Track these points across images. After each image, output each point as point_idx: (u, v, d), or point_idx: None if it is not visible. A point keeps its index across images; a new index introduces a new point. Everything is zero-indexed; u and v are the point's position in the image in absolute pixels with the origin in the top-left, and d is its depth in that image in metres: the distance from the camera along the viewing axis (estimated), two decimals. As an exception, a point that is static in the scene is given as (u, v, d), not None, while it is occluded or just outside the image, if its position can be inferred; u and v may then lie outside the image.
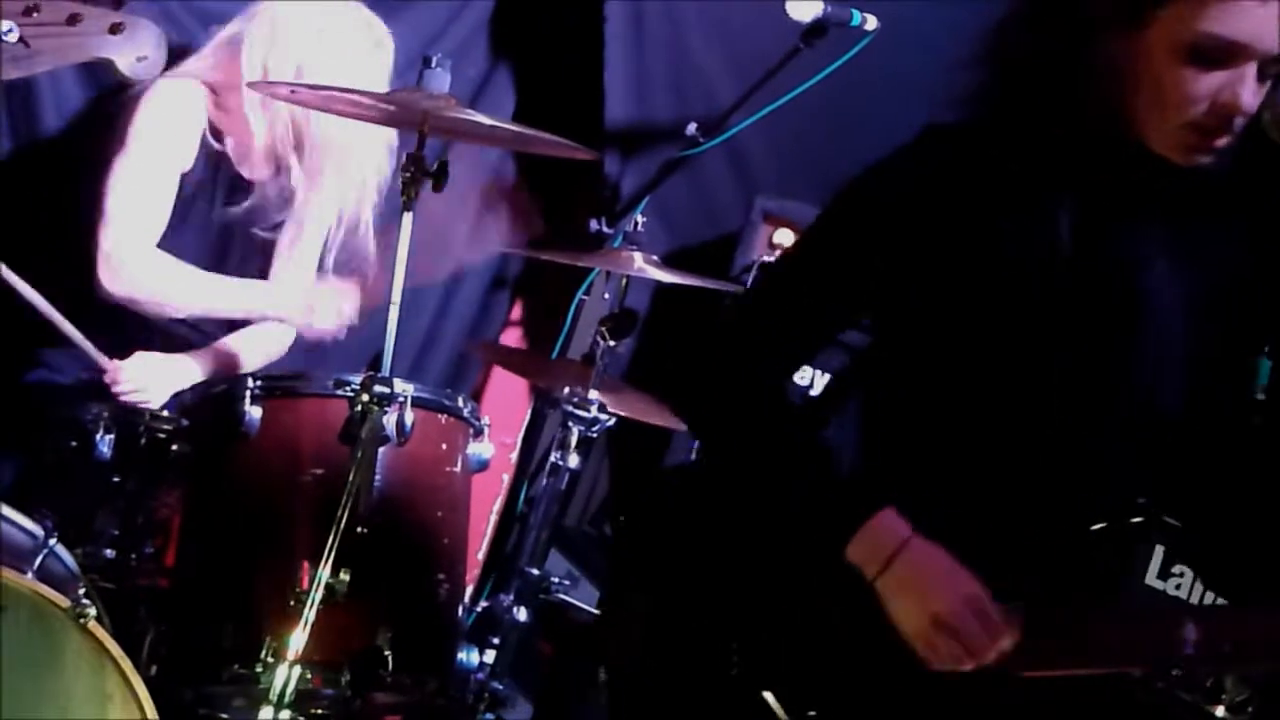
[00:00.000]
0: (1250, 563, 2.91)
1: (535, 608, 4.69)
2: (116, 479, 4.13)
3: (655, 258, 4.69)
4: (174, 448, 4.14)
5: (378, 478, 3.84)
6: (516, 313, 6.16)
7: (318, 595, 3.68)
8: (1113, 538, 2.86)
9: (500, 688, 4.65)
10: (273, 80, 4.39)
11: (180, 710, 4.01)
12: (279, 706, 3.68)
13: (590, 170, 5.67)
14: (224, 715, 4.09)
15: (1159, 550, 2.84)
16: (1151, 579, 2.85)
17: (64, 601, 3.50)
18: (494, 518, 6.00)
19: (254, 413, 4.04)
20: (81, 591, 3.66)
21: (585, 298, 5.79)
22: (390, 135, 4.72)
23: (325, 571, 3.67)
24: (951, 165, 2.97)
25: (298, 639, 3.68)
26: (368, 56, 4.60)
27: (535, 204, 5.53)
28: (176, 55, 4.74)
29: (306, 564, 3.84)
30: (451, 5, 5.67)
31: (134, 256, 4.47)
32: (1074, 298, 2.91)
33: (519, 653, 4.73)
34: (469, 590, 5.44)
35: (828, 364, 4.92)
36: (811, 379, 5.22)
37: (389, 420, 3.92)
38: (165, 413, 4.20)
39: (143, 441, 4.14)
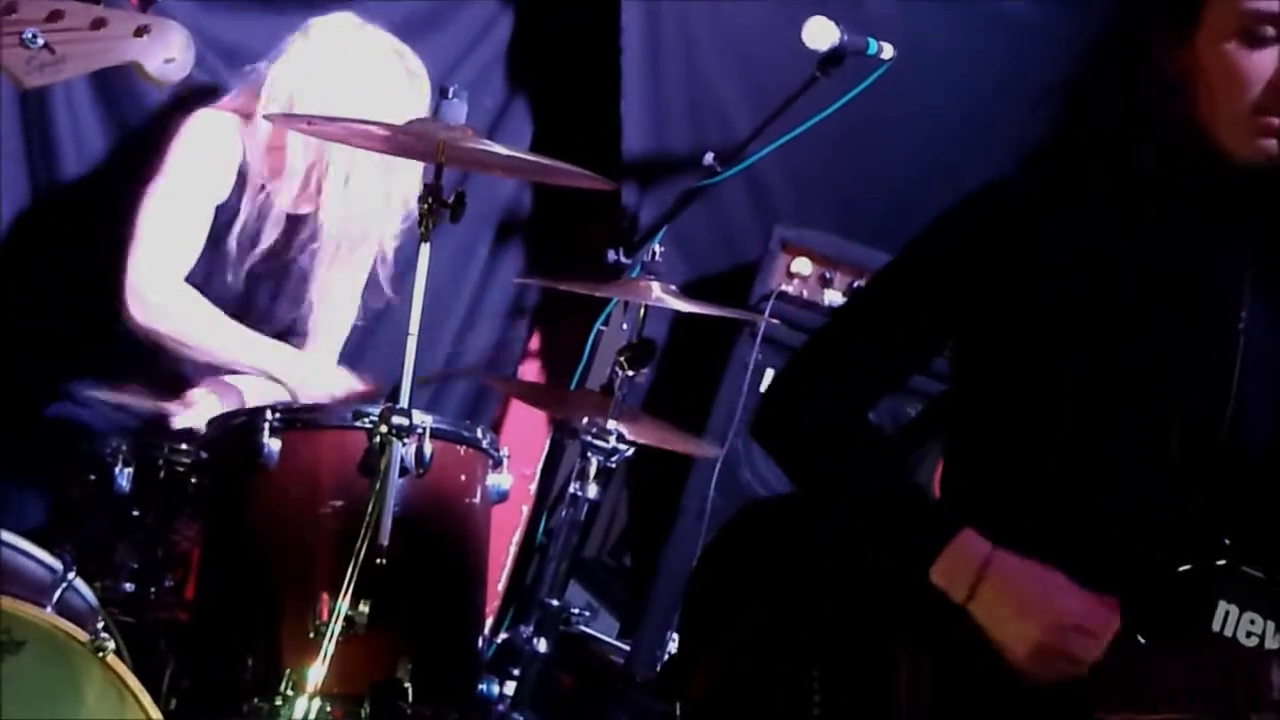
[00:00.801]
0: None
1: (555, 639, 4.67)
2: (136, 512, 4.12)
3: (673, 287, 4.67)
4: (193, 480, 4.13)
5: (397, 509, 3.82)
6: (535, 343, 6.17)
7: (337, 627, 3.66)
8: (1196, 580, 2.84)
9: (521, 719, 4.64)
10: (291, 114, 4.39)
11: (200, 743, 4.01)
12: (299, 740, 3.68)
13: (608, 200, 5.68)
14: (244, 748, 4.08)
15: (1235, 600, 2.83)
16: (1227, 628, 2.84)
17: (83, 635, 3.50)
18: (513, 548, 5.99)
19: (273, 445, 4.03)
20: (101, 625, 3.65)
21: (604, 328, 5.79)
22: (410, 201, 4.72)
23: (345, 603, 3.65)
24: (1033, 201, 2.97)
25: (317, 671, 3.66)
26: (403, 88, 4.61)
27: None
28: (207, 93, 4.77)
29: (326, 596, 3.82)
30: (469, 36, 5.68)
31: (161, 289, 4.48)
32: (1162, 335, 2.90)
33: (539, 684, 4.71)
34: (489, 621, 5.42)
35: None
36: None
37: (408, 451, 3.91)
38: (184, 445, 4.19)
39: (162, 475, 4.13)
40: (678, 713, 3.27)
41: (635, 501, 6.04)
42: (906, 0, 5.68)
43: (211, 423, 4.31)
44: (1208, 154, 2.89)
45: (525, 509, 5.99)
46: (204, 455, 4.15)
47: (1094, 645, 2.81)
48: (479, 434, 4.28)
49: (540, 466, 6.04)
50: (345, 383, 4.74)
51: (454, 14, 5.61)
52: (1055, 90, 3.07)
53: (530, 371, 6.18)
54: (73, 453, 4.23)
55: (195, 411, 4.45)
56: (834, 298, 5.40)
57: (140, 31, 2.88)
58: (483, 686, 4.27)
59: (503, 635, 4.95)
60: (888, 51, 5.28)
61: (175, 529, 4.15)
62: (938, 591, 2.90)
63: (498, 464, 4.31)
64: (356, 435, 3.98)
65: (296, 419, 4.12)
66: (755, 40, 5.70)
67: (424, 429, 3.99)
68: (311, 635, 3.71)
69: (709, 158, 5.44)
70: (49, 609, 3.58)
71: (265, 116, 4.33)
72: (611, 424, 4.58)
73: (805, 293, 5.42)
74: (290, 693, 3.79)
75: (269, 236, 4.65)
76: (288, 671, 3.82)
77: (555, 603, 4.69)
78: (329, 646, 3.66)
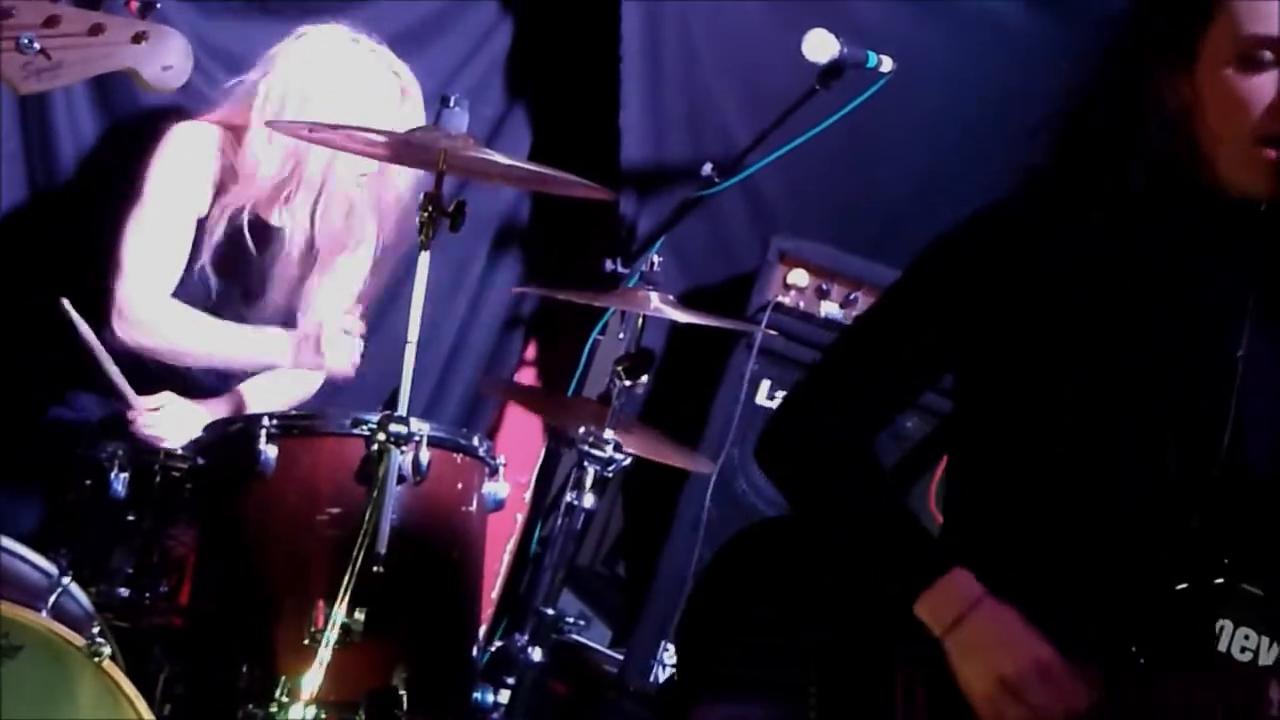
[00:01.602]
0: None
1: (549, 648, 4.67)
2: (131, 517, 4.11)
3: (671, 297, 4.68)
4: (189, 486, 4.13)
5: (394, 517, 3.82)
6: (531, 352, 6.17)
7: (333, 635, 3.66)
8: (1195, 599, 2.84)
9: (515, 728, 4.64)
10: (291, 120, 4.39)
11: (194, 749, 4.01)
12: (295, 747, 3.68)
13: (606, 210, 5.68)
14: (239, 755, 4.08)
15: (1230, 616, 2.83)
16: (1221, 643, 2.83)
17: (78, 640, 3.50)
18: (508, 557, 5.99)
19: (270, 451, 4.03)
20: (96, 630, 3.66)
21: (600, 337, 5.78)
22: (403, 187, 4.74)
23: (341, 611, 3.66)
24: (1035, 225, 2.97)
25: (313, 679, 3.66)
26: (394, 103, 4.62)
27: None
28: (199, 99, 4.77)
29: (322, 603, 3.81)
30: (468, 44, 5.68)
31: (149, 307, 4.51)
32: (1163, 359, 2.90)
33: (533, 693, 4.70)
34: (483, 630, 5.42)
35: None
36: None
37: (405, 459, 3.91)
38: (180, 451, 4.19)
39: (158, 480, 4.13)
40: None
41: (630, 511, 6.04)
42: (906, 14, 5.68)
43: (209, 428, 4.31)
44: (1208, 185, 2.89)
45: (520, 517, 5.98)
46: (201, 461, 4.15)
47: (1057, 701, 2.80)
48: (476, 442, 4.28)
49: (535, 475, 6.03)
50: (341, 335, 4.72)
51: (453, 22, 5.61)
52: (1056, 118, 3.07)
53: (527, 380, 6.18)
54: (69, 457, 4.23)
55: (158, 421, 4.45)
56: (831, 309, 5.40)
57: (138, 38, 2.88)
58: (477, 695, 4.27)
59: (497, 643, 4.93)
60: (887, 65, 5.29)
61: (171, 534, 4.15)
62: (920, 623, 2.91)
63: (494, 472, 4.31)
64: (354, 442, 4.00)
65: (294, 426, 4.12)
66: (755, 51, 5.70)
67: (421, 437, 3.99)
68: (307, 642, 3.71)
69: (707, 168, 5.45)
70: (44, 613, 3.59)
71: (267, 123, 4.33)
72: (609, 434, 4.58)
73: (802, 304, 5.41)
74: (285, 700, 3.79)
75: (241, 244, 4.65)
76: (283, 679, 3.82)
77: (550, 611, 4.69)
78: (324, 654, 3.66)
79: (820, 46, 5.13)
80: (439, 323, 5.73)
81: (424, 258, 3.81)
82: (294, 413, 4.35)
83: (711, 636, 3.23)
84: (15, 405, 4.70)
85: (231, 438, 4.15)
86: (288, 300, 4.78)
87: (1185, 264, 2.93)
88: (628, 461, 4.65)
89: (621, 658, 5.41)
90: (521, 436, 6.07)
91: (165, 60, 2.91)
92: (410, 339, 3.78)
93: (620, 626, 5.76)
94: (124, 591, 4.09)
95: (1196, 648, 2.83)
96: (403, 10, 5.37)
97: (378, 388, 4.91)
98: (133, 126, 4.91)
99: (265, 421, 4.06)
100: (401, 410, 3.80)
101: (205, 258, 4.62)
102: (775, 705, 3.07)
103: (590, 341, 5.77)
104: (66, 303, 4.19)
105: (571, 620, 5.02)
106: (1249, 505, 2.93)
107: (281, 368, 4.73)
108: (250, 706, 3.90)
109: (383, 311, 5.18)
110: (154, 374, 4.53)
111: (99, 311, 4.46)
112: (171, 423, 4.41)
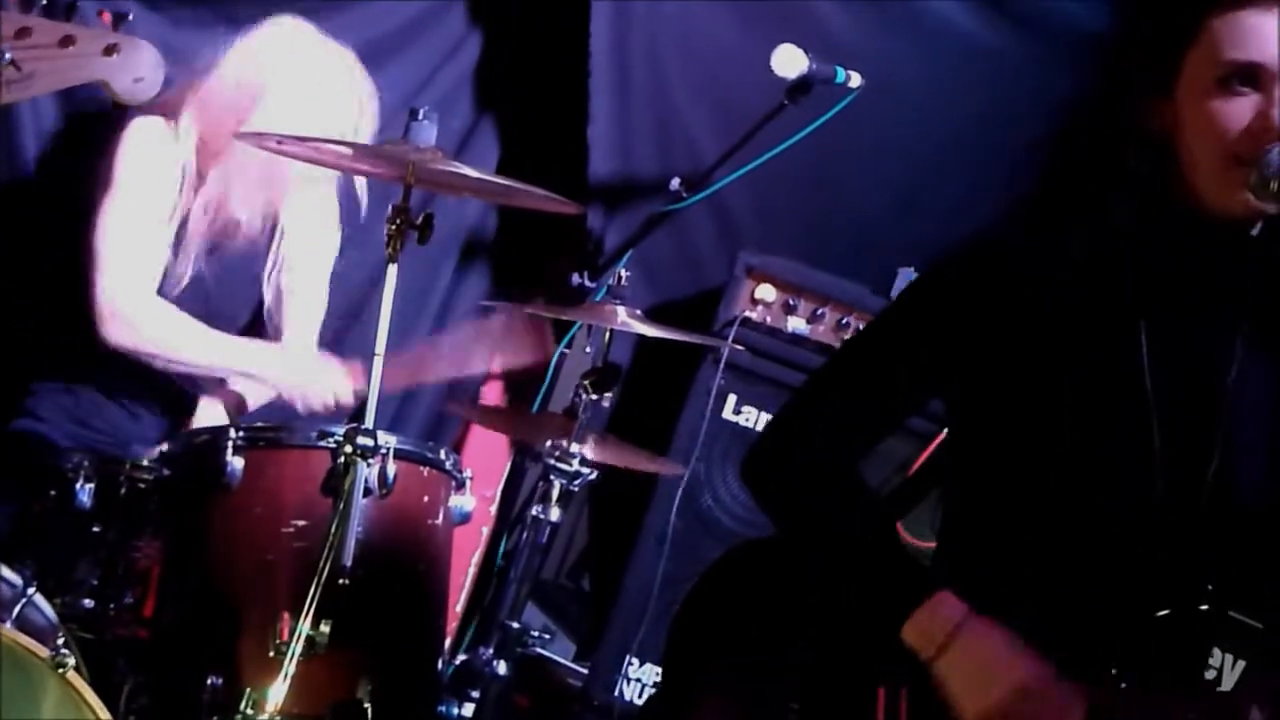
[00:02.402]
0: None
1: (513, 661, 4.67)
2: (96, 529, 4.10)
3: (638, 312, 4.68)
4: (155, 497, 4.12)
5: (359, 529, 3.81)
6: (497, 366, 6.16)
7: (298, 647, 3.64)
8: (1180, 624, 2.85)
9: (479, 741, 4.64)
10: (258, 130, 4.38)
11: (158, 762, 3.99)
12: (259, 759, 3.67)
13: (573, 224, 5.68)
14: (202, 767, 4.07)
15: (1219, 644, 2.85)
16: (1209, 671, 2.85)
17: (43, 651, 3.48)
18: (473, 569, 5.98)
19: (236, 463, 4.03)
20: (60, 641, 3.64)
21: (567, 351, 5.78)
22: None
23: (306, 623, 3.64)
24: (1028, 252, 2.98)
25: (278, 691, 3.64)
26: (354, 108, 4.62)
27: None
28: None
29: (287, 615, 3.80)
30: (436, 57, 5.68)
31: (134, 306, 4.48)
32: (1153, 388, 2.91)
33: (497, 706, 4.70)
34: (448, 643, 5.42)
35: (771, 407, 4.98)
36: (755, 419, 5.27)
37: (372, 472, 3.91)
38: (146, 461, 4.18)
39: (123, 491, 4.11)
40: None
41: (596, 524, 6.04)
42: (876, 30, 5.70)
43: (174, 439, 4.30)
44: (1191, 211, 2.91)
45: (485, 530, 5.98)
46: (166, 472, 4.14)
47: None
48: (442, 455, 4.28)
49: (501, 488, 6.02)
50: (330, 370, 4.72)
51: (421, 35, 5.61)
52: (1042, 143, 3.10)
53: (493, 394, 6.16)
54: (34, 468, 4.22)
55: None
56: (798, 325, 5.41)
57: (110, 50, 2.87)
58: (442, 707, 4.28)
59: (462, 656, 4.93)
60: (855, 80, 5.30)
61: (136, 546, 4.13)
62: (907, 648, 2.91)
63: (460, 485, 4.31)
64: (320, 455, 3.99)
65: (260, 437, 4.11)
66: (724, 66, 5.71)
67: (388, 450, 3.98)
68: (272, 654, 3.68)
69: (675, 183, 5.46)
70: (8, 624, 3.58)
71: (236, 136, 4.32)
72: (574, 447, 4.58)
73: (769, 319, 5.42)
74: (250, 712, 3.77)
75: (215, 237, 4.65)
76: (248, 691, 3.80)
77: (514, 625, 4.69)
78: (289, 666, 3.64)
79: (789, 62, 5.15)
80: (406, 335, 5.72)
81: (391, 270, 3.80)
82: (260, 424, 4.33)
83: (696, 656, 3.24)
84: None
85: (197, 449, 4.14)
86: (261, 290, 4.77)
87: (1175, 291, 2.94)
88: (593, 475, 4.65)
89: (586, 671, 5.42)
90: (487, 450, 6.06)
91: (137, 72, 2.91)
92: (377, 351, 3.78)
93: (585, 640, 5.76)
94: (89, 603, 4.07)
95: (1181, 674, 2.84)
96: (370, 21, 5.36)
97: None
98: (96, 121, 4.89)
99: (231, 433, 4.06)
100: (368, 423, 3.79)
101: (188, 256, 4.61)
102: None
103: (557, 355, 5.77)
104: None
105: (536, 634, 5.02)
106: (1236, 532, 2.94)
107: (263, 380, 4.71)
108: (215, 718, 3.89)
109: (349, 324, 5.18)
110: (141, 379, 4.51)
111: (79, 309, 4.45)
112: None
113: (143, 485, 4.13)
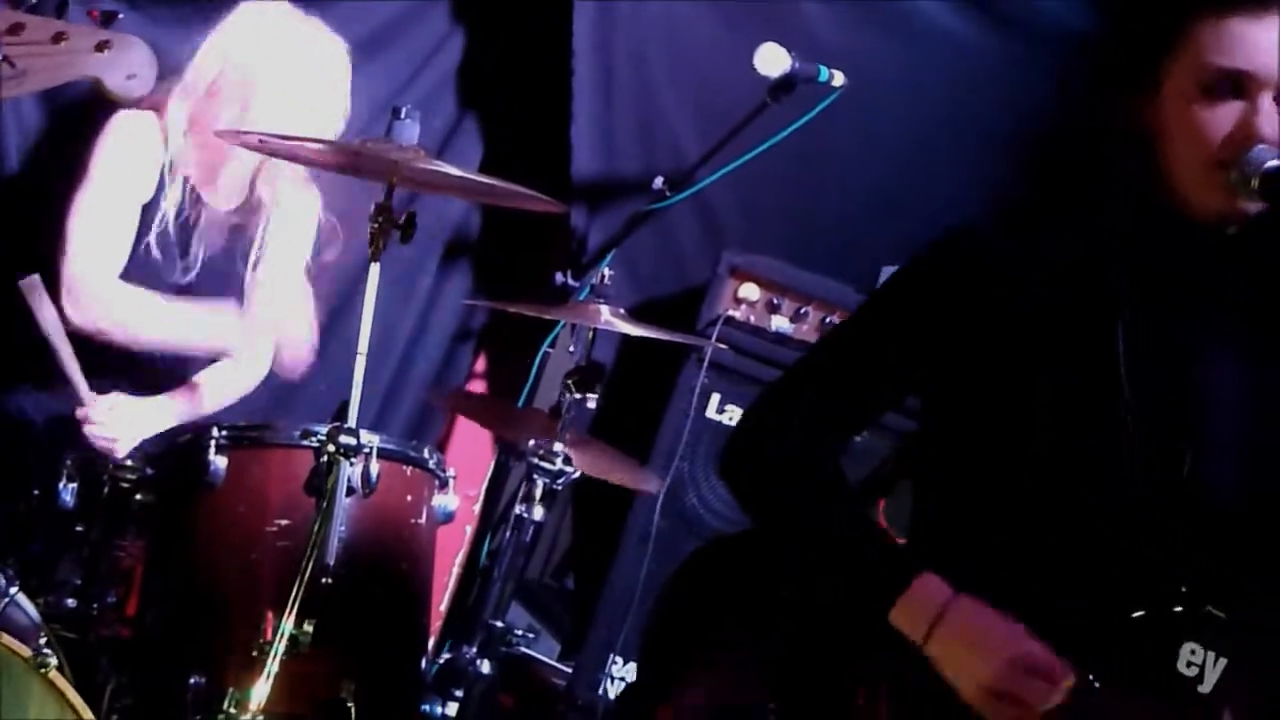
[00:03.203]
0: None
1: (497, 660, 4.67)
2: (79, 528, 4.11)
3: (622, 311, 4.68)
4: (137, 497, 4.12)
5: (343, 529, 3.81)
6: (481, 365, 6.16)
7: (281, 646, 3.64)
8: (1154, 625, 2.85)
9: (462, 740, 4.64)
10: (241, 128, 4.37)
11: (141, 761, 3.99)
12: (242, 758, 3.66)
13: (557, 223, 5.68)
14: (186, 766, 4.07)
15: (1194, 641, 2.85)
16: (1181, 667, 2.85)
17: (25, 651, 3.48)
18: (457, 569, 5.98)
19: (219, 462, 4.03)
20: (43, 641, 3.64)
21: (550, 350, 5.78)
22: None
23: (289, 622, 3.64)
24: (1005, 251, 2.98)
25: (261, 690, 3.64)
26: (325, 71, 4.63)
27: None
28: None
29: (270, 614, 3.81)
30: (419, 56, 5.67)
31: (96, 288, 4.45)
32: (1129, 384, 2.90)
33: (481, 705, 4.70)
34: (431, 642, 5.41)
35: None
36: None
37: (355, 471, 3.91)
38: (129, 462, 4.18)
39: (106, 490, 4.12)
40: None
41: (579, 524, 6.04)
42: (860, 29, 5.70)
43: (158, 438, 4.29)
44: (1173, 208, 2.91)
45: (469, 530, 5.98)
46: (149, 471, 4.14)
47: (1047, 690, 2.80)
48: (426, 454, 4.29)
49: (485, 487, 6.02)
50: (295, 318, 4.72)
51: (404, 34, 5.60)
52: (1023, 140, 3.10)
53: (477, 393, 6.17)
54: (16, 467, 4.21)
55: (110, 420, 4.40)
56: (781, 324, 5.41)
57: (101, 46, 2.87)
58: (425, 707, 4.28)
59: (445, 656, 4.92)
60: (839, 79, 5.30)
61: (119, 545, 4.14)
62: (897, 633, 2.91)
63: (444, 485, 4.32)
64: (303, 454, 3.99)
65: (243, 437, 4.12)
66: (707, 65, 5.71)
67: (371, 449, 3.99)
68: (255, 654, 3.67)
69: (658, 182, 5.46)
70: (-9, 624, 3.58)
71: (217, 133, 4.32)
72: (558, 446, 4.58)
73: (753, 318, 5.42)
74: (233, 711, 3.76)
75: (200, 232, 4.65)
76: (231, 690, 3.79)
77: (498, 624, 4.69)
78: (273, 665, 3.64)
79: (772, 60, 5.15)
80: (389, 335, 5.72)
81: (374, 269, 3.80)
82: (243, 424, 4.33)
83: (671, 652, 3.24)
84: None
85: (181, 449, 4.15)
86: (230, 278, 4.76)
87: (1153, 288, 2.94)
88: (577, 474, 4.66)
89: (570, 670, 5.41)
90: (471, 449, 6.06)
91: (129, 69, 2.90)
92: (360, 350, 3.78)
93: (569, 639, 5.76)
94: (71, 602, 4.08)
95: (1155, 675, 2.84)
96: (352, 20, 5.34)
97: (327, 399, 4.89)
98: (76, 114, 4.88)
99: (214, 433, 4.06)
100: (351, 422, 3.78)
101: (151, 238, 4.59)
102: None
103: (540, 354, 5.77)
104: (31, 281, 4.15)
105: (520, 633, 5.01)
106: (1211, 531, 2.94)
107: (232, 350, 4.69)
108: (198, 718, 3.90)
109: (332, 323, 5.17)
110: (108, 363, 4.48)
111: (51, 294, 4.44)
112: (119, 423, 4.36)
113: (126, 485, 4.13)
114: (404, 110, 3.87)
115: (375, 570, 4.14)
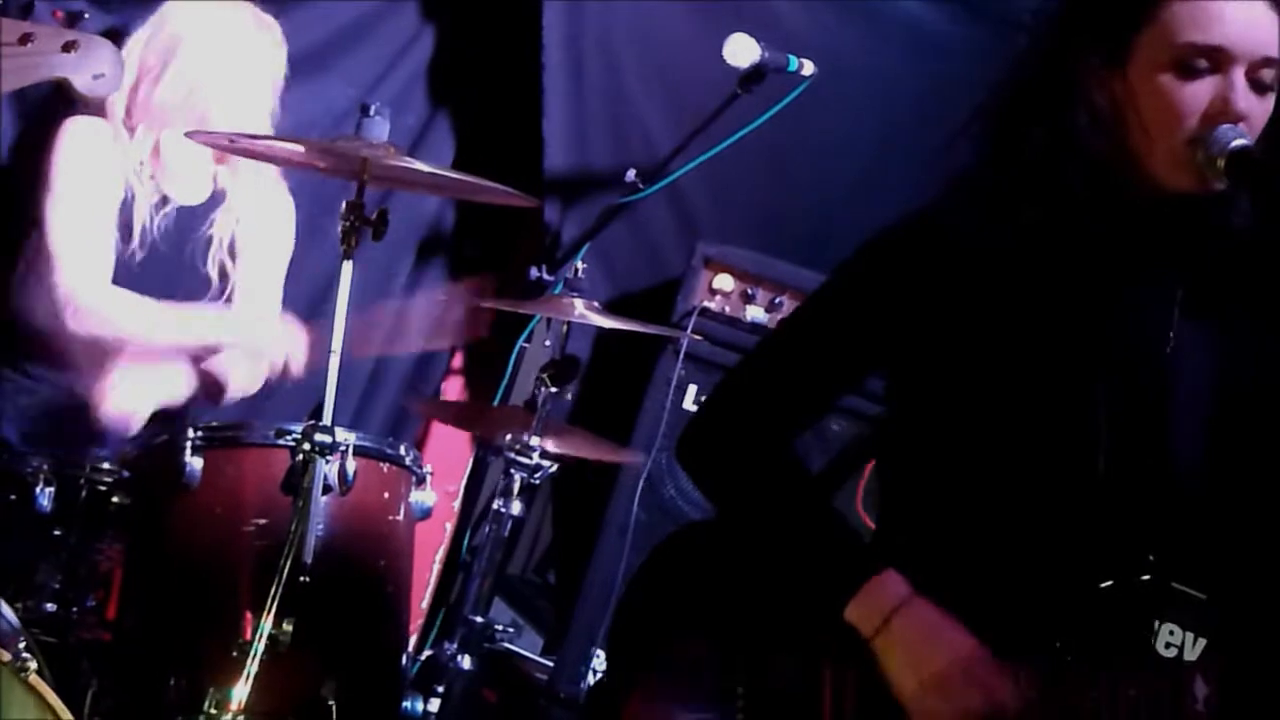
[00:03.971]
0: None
1: (479, 656, 4.68)
2: (57, 532, 4.11)
3: (596, 304, 4.69)
4: (115, 499, 4.11)
5: (320, 527, 3.82)
6: (458, 360, 6.16)
7: (261, 646, 3.64)
8: (1122, 596, 2.86)
9: (445, 736, 4.64)
10: (211, 131, 4.37)
11: (124, 764, 3.99)
12: (224, 759, 3.67)
13: (530, 217, 5.68)
14: (168, 768, 4.07)
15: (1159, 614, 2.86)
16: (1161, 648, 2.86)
17: (5, 655, 3.48)
18: (437, 566, 5.98)
19: (195, 463, 4.03)
20: (22, 645, 3.63)
21: (526, 345, 5.79)
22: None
23: (268, 622, 3.64)
24: (968, 225, 2.96)
25: (241, 690, 3.64)
26: (263, 54, 4.64)
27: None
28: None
29: (249, 615, 3.82)
30: (390, 54, 5.66)
31: (92, 295, 4.45)
32: (1092, 358, 2.91)
33: (463, 701, 4.71)
34: (413, 639, 5.42)
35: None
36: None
37: (331, 469, 3.91)
38: (105, 464, 4.17)
39: (83, 494, 4.12)
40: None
41: (559, 518, 6.05)
42: (828, 20, 5.70)
43: (133, 440, 4.29)
44: (1138, 183, 2.91)
45: (449, 526, 5.98)
46: (126, 474, 4.14)
47: (981, 700, 2.80)
48: (402, 451, 4.28)
49: (464, 483, 6.03)
50: (291, 333, 4.70)
51: (375, 32, 5.60)
52: (982, 116, 3.08)
53: (453, 388, 6.17)
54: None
55: (122, 394, 4.40)
56: (756, 314, 5.41)
57: (68, 47, 2.86)
58: (407, 704, 4.28)
59: (427, 652, 4.94)
60: (808, 68, 5.30)
61: (97, 548, 4.14)
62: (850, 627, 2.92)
63: (421, 481, 4.32)
64: (279, 453, 3.99)
65: (218, 437, 4.11)
66: (677, 57, 5.71)
67: (347, 446, 3.99)
68: (235, 654, 3.67)
69: (631, 174, 5.45)
70: (-30, 630, 3.57)
71: (187, 134, 4.30)
72: (534, 440, 4.59)
73: (728, 309, 5.43)
74: (214, 712, 3.75)
75: (161, 225, 4.64)
76: (211, 691, 3.78)
77: (479, 620, 4.70)
78: (252, 666, 3.64)
79: (741, 51, 5.14)
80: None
81: (347, 267, 3.81)
82: (217, 424, 4.32)
83: (640, 640, 3.24)
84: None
85: (156, 450, 4.14)
86: (216, 278, 4.75)
87: (1115, 262, 2.93)
88: (554, 468, 4.66)
89: (552, 665, 5.42)
90: (450, 445, 6.06)
91: (96, 68, 2.90)
92: (334, 348, 3.78)
93: (552, 634, 5.76)
94: (51, 606, 4.08)
95: (1126, 645, 2.85)
96: (323, 19, 5.35)
97: (303, 398, 4.90)
98: (38, 121, 4.88)
99: (190, 433, 4.06)
100: (326, 420, 3.79)
101: (134, 243, 4.59)
102: (703, 707, 3.07)
103: (516, 349, 5.77)
104: None
105: (502, 628, 5.02)
106: (1177, 504, 2.95)
107: (230, 348, 4.67)
108: (179, 719, 3.89)
109: (307, 321, 5.17)
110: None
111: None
112: (137, 392, 4.38)
113: (102, 487, 4.13)
114: (373, 107, 3.87)
115: (354, 568, 4.14)
